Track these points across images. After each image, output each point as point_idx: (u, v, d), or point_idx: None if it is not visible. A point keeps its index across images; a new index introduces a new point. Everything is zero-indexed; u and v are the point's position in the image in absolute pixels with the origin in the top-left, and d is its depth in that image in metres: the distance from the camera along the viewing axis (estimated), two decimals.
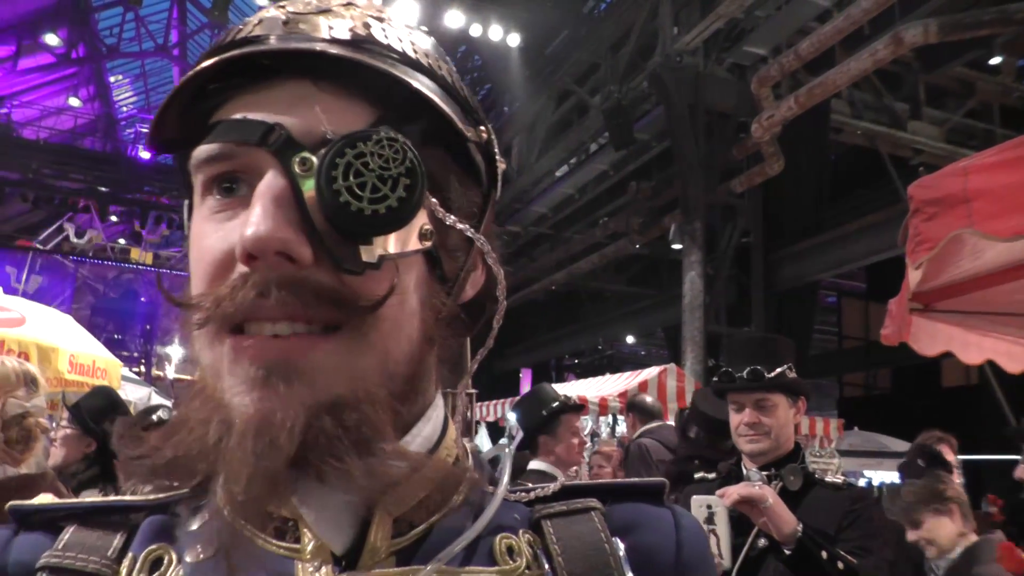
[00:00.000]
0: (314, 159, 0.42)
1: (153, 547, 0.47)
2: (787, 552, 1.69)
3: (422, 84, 0.46)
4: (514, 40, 10.37)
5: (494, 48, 10.91)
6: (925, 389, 11.50)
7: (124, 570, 0.47)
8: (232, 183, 0.44)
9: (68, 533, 0.49)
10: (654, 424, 3.97)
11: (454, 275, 0.49)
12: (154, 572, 0.46)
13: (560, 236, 13.36)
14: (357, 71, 0.44)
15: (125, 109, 22.05)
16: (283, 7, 0.48)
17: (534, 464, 2.70)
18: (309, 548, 0.45)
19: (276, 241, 0.40)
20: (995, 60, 8.39)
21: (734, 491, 1.74)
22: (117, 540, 0.48)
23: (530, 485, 0.54)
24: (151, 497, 0.50)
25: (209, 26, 17.31)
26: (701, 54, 8.89)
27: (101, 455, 2.63)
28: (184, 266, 0.49)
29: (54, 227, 16.16)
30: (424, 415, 0.49)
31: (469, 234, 0.49)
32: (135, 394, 5.63)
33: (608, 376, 7.38)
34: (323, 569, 0.44)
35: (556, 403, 2.73)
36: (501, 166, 0.54)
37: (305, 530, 0.45)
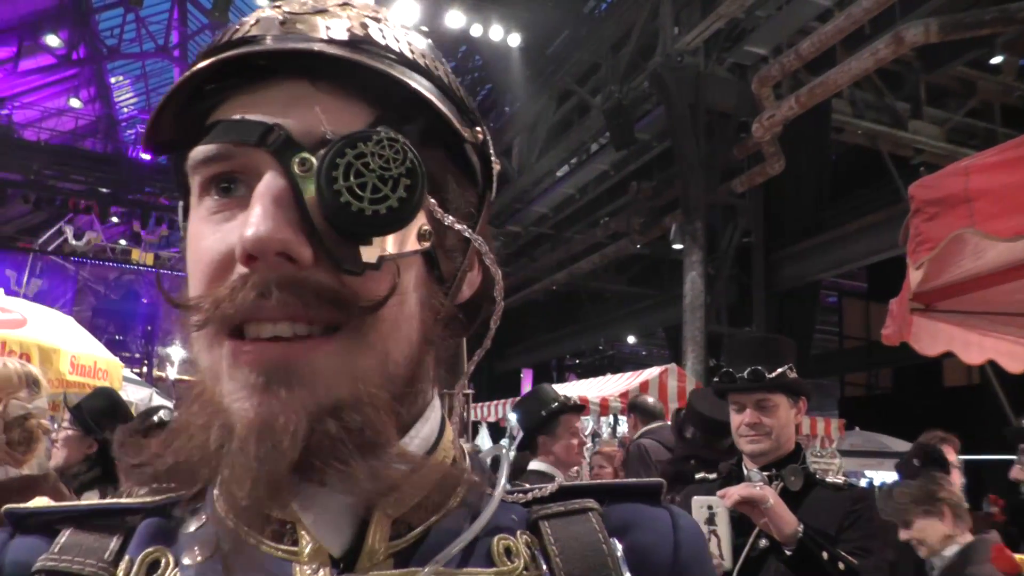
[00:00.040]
0: (313, 159, 0.42)
1: (150, 550, 0.47)
2: (788, 553, 1.69)
3: (420, 84, 0.46)
4: (515, 40, 10.37)
5: (495, 48, 10.91)
6: (926, 389, 11.48)
7: (121, 573, 0.47)
8: (230, 183, 0.44)
9: (64, 536, 0.49)
10: (655, 425, 3.97)
11: (451, 276, 0.49)
12: (151, 575, 0.46)
13: (561, 236, 13.35)
14: (355, 71, 0.44)
15: (126, 110, 22.07)
16: (279, 7, 0.47)
17: (534, 464, 2.70)
18: (307, 551, 0.45)
19: (276, 242, 0.40)
20: (996, 59, 8.38)
21: (735, 492, 1.74)
22: (114, 543, 0.48)
23: (527, 486, 0.54)
24: (147, 500, 0.49)
25: (210, 27, 17.32)
26: (702, 54, 8.88)
27: (102, 456, 2.63)
28: (183, 267, 0.49)
29: (53, 230, 16.15)
30: (422, 416, 0.49)
31: (467, 235, 0.49)
32: (136, 395, 5.63)
33: (609, 376, 7.38)
34: (321, 572, 0.44)
35: (555, 403, 2.73)
36: (496, 167, 0.54)
37: (303, 533, 0.45)
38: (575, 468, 3.09)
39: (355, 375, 0.42)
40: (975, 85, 8.91)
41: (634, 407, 4.26)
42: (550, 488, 0.53)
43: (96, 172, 15.95)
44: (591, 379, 7.87)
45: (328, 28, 0.46)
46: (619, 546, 0.49)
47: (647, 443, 3.73)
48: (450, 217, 0.47)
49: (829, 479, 1.88)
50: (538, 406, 2.76)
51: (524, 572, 0.47)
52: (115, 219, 16.35)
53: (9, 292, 4.79)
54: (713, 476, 2.04)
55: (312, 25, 0.46)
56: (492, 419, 8.41)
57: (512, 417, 6.18)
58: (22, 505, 0.51)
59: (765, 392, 1.90)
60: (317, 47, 0.44)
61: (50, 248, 16.50)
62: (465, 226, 0.48)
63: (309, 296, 0.40)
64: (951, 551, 2.30)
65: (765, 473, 1.89)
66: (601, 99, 9.95)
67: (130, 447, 0.45)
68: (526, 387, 14.88)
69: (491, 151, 0.53)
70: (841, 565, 1.67)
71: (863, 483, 7.51)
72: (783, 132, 7.69)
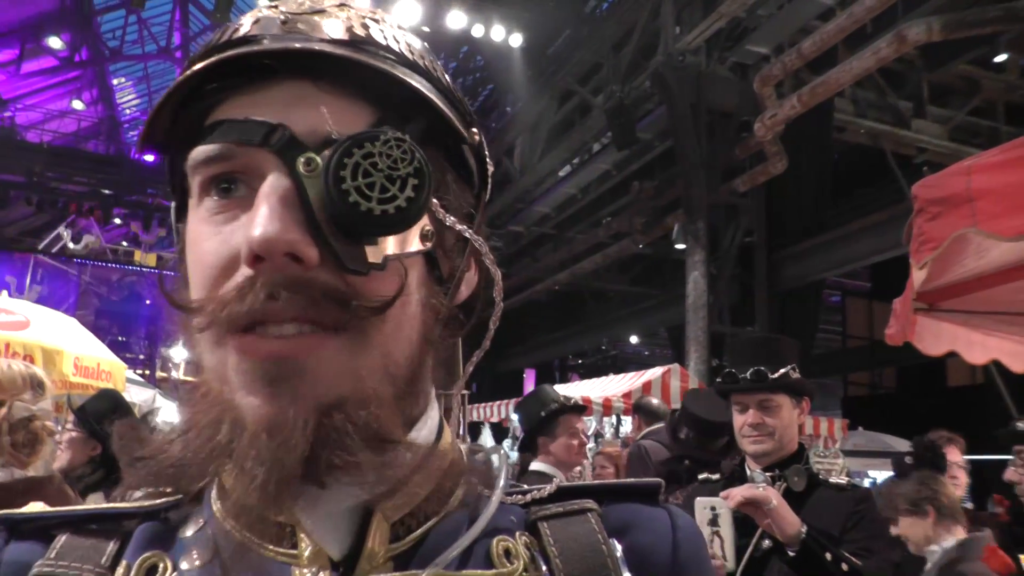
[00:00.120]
0: (319, 159, 0.41)
1: (147, 554, 0.47)
2: (791, 554, 1.69)
3: (421, 85, 0.46)
4: (516, 40, 10.37)
5: (496, 48, 10.90)
6: (930, 388, 11.46)
7: None
8: (230, 184, 0.44)
9: (60, 541, 0.48)
10: (658, 426, 3.96)
11: (450, 276, 0.49)
12: None
13: (563, 236, 13.35)
14: (357, 72, 0.44)
15: (128, 112, 22.11)
16: (276, 7, 0.47)
17: (535, 465, 2.71)
18: (307, 554, 0.44)
19: (284, 243, 0.40)
20: (1000, 57, 8.35)
21: (738, 493, 1.74)
22: (111, 547, 0.48)
23: (525, 487, 0.54)
24: (144, 504, 0.49)
25: (211, 28, 17.34)
26: (703, 53, 8.87)
27: (106, 458, 2.63)
28: (178, 267, 0.49)
29: (53, 235, 16.16)
30: (423, 417, 0.49)
31: (467, 235, 0.49)
32: (139, 396, 5.64)
33: (612, 376, 7.37)
34: (321, 575, 0.44)
35: (555, 404, 2.74)
36: (491, 168, 0.54)
37: (302, 535, 0.45)
38: (577, 468, 3.10)
39: (358, 374, 0.42)
40: (978, 83, 8.87)
41: (638, 408, 4.27)
42: (548, 489, 0.53)
43: (98, 174, 15.97)
44: (594, 379, 7.86)
45: (329, 28, 0.46)
46: (619, 547, 0.49)
47: (647, 444, 3.73)
48: (451, 218, 0.47)
49: (832, 479, 1.88)
50: (538, 407, 2.77)
51: (524, 574, 0.47)
52: (117, 220, 16.38)
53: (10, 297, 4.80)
54: (716, 477, 2.03)
55: (313, 25, 0.45)
56: (495, 419, 8.40)
57: (515, 418, 6.18)
58: (16, 510, 0.50)
59: (768, 392, 1.90)
60: (320, 47, 0.44)
61: (54, 250, 16.52)
62: (466, 227, 0.48)
63: (316, 297, 0.40)
64: (933, 550, 2.31)
65: (768, 474, 1.89)
66: (603, 99, 9.94)
67: (131, 442, 0.45)
68: (529, 387, 14.88)
69: (487, 153, 0.53)
70: (844, 566, 1.67)
71: (866, 483, 7.49)
72: (785, 131, 7.68)
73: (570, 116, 11.47)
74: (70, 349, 4.05)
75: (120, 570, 0.47)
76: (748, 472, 1.93)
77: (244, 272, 0.41)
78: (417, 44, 0.50)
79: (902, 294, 2.25)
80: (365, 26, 0.47)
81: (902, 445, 7.57)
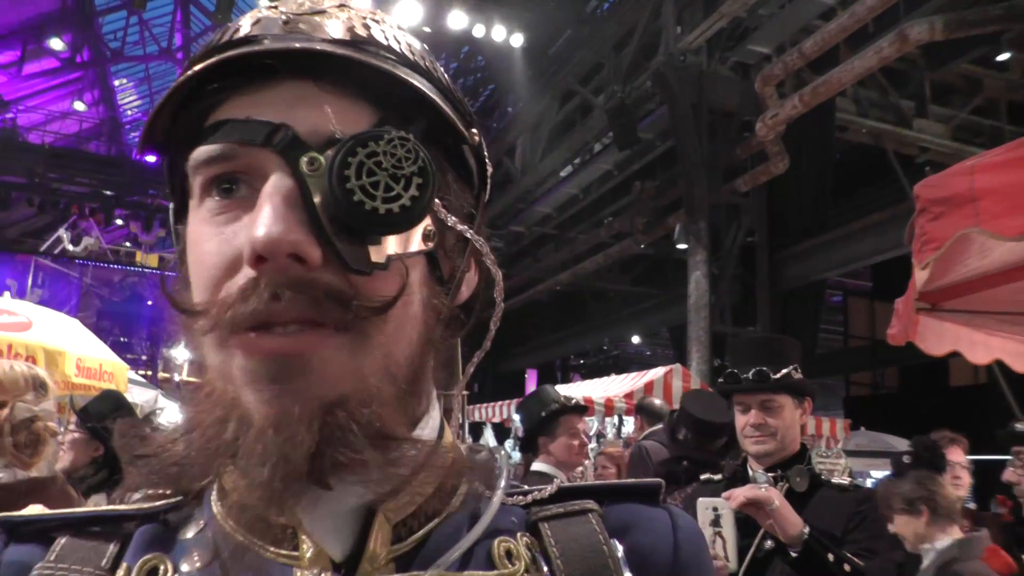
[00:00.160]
0: (322, 159, 0.41)
1: (148, 557, 0.46)
2: (793, 554, 1.69)
3: (423, 85, 0.46)
4: (517, 40, 10.37)
5: (497, 49, 10.90)
6: (933, 388, 11.43)
7: None
8: (232, 184, 0.44)
9: (60, 544, 0.48)
10: (660, 426, 3.97)
11: (451, 276, 0.49)
12: None
13: (564, 236, 13.35)
14: (359, 72, 0.44)
15: (130, 113, 22.14)
16: (275, 7, 0.47)
17: (536, 466, 2.71)
18: (308, 555, 0.44)
19: (288, 243, 0.40)
20: (1003, 56, 8.33)
21: (740, 493, 1.73)
22: (111, 550, 0.48)
23: (526, 487, 0.54)
24: (144, 506, 0.49)
25: (213, 29, 17.35)
26: (704, 53, 8.86)
27: (109, 459, 2.64)
28: (177, 268, 0.49)
29: (54, 237, 16.17)
30: (424, 417, 0.49)
31: (468, 235, 0.49)
32: (142, 397, 5.64)
33: (614, 376, 7.37)
34: None
35: (555, 404, 2.74)
36: (490, 169, 0.54)
37: (304, 537, 0.45)
38: (579, 469, 3.09)
39: (360, 372, 0.42)
40: (981, 82, 8.86)
41: (641, 409, 4.28)
42: (549, 489, 0.53)
43: (100, 175, 16.00)
44: (596, 379, 7.86)
45: (331, 28, 0.45)
46: (620, 547, 0.49)
47: (648, 444, 3.74)
48: (452, 218, 0.47)
49: (835, 480, 1.88)
50: (538, 407, 2.77)
51: (525, 574, 0.47)
52: (119, 221, 16.41)
53: None
54: (718, 477, 2.03)
55: (314, 25, 0.45)
56: (496, 420, 8.41)
57: (517, 418, 6.18)
58: (15, 513, 0.50)
59: (770, 393, 1.89)
60: (323, 47, 0.43)
61: (56, 251, 16.53)
62: (467, 227, 0.48)
63: (319, 297, 0.40)
64: (926, 548, 2.31)
65: (770, 474, 1.88)
66: (604, 99, 9.94)
67: (133, 440, 0.45)
68: (530, 387, 14.88)
69: (486, 153, 0.53)
70: (847, 567, 1.66)
71: (869, 484, 7.47)
72: (787, 131, 7.67)
73: (571, 116, 11.46)
74: (72, 350, 4.06)
75: (120, 572, 0.46)
76: (750, 473, 1.93)
77: (247, 273, 0.41)
78: (417, 45, 0.50)
79: (904, 294, 2.25)
80: (366, 26, 0.47)
81: (904, 445, 7.55)
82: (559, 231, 13.45)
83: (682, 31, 8.80)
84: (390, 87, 0.45)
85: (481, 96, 14.78)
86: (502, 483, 0.50)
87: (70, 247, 16.04)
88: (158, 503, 0.49)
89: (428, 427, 0.49)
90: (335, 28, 0.46)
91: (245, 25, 0.47)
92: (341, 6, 0.48)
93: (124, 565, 0.47)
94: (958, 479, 3.05)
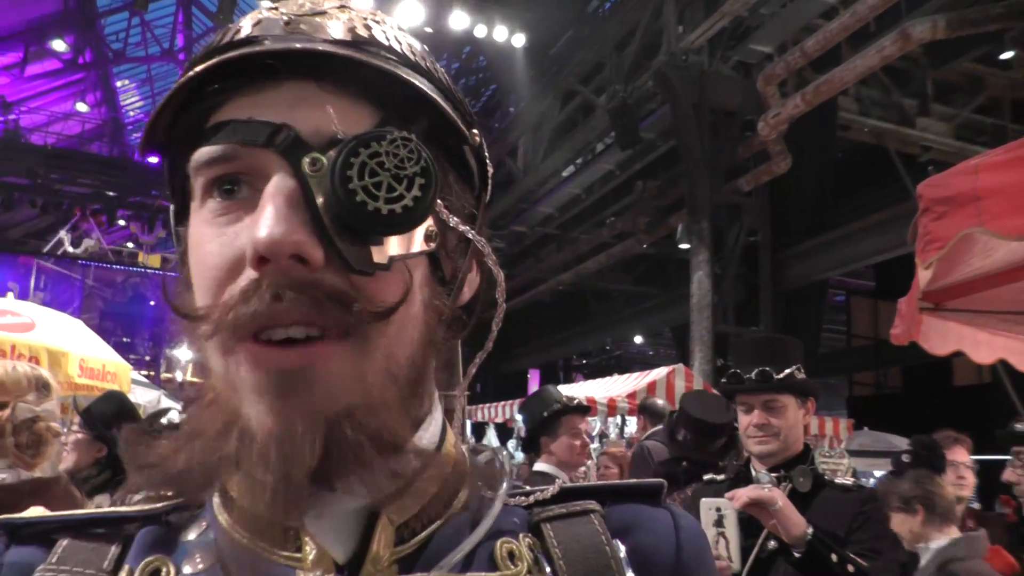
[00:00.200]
0: (324, 159, 0.41)
1: (150, 558, 0.46)
2: (797, 555, 1.68)
3: (424, 86, 0.46)
4: (519, 40, 10.37)
5: (499, 49, 10.90)
6: (936, 388, 11.40)
7: None
8: (233, 185, 0.44)
9: (62, 546, 0.48)
10: (663, 426, 3.97)
11: (452, 277, 0.49)
12: None
13: (567, 236, 13.34)
14: (360, 72, 0.44)
15: (132, 114, 22.19)
16: (276, 8, 0.47)
17: (538, 466, 2.71)
18: (311, 557, 0.44)
19: (290, 244, 0.39)
20: (1006, 55, 8.30)
21: (743, 494, 1.73)
22: (113, 551, 0.48)
23: (528, 488, 0.53)
24: (145, 507, 0.49)
25: (214, 30, 17.36)
26: (706, 52, 8.85)
27: (112, 460, 2.64)
28: (178, 269, 0.49)
29: (56, 239, 16.19)
30: (427, 419, 0.49)
31: (470, 236, 0.49)
32: (144, 397, 5.65)
33: (616, 377, 7.37)
34: None
35: (557, 404, 2.74)
36: (490, 170, 0.54)
37: (307, 539, 0.45)
38: (582, 469, 3.09)
39: (365, 379, 0.42)
40: (983, 81, 8.83)
41: (644, 409, 4.28)
42: (551, 490, 0.52)
43: (102, 176, 16.03)
44: (598, 379, 7.86)
45: (332, 29, 0.45)
46: (622, 547, 0.49)
47: (650, 444, 3.74)
48: (454, 218, 0.47)
49: (838, 480, 1.87)
50: (540, 407, 2.77)
51: (527, 575, 0.47)
52: (121, 222, 16.44)
53: None
54: (721, 478, 2.03)
55: (315, 26, 0.45)
56: (499, 420, 8.41)
57: (519, 418, 6.18)
58: (18, 515, 0.50)
59: (773, 393, 1.89)
60: (324, 47, 0.43)
61: (59, 252, 16.56)
62: (469, 227, 0.48)
63: (321, 298, 0.40)
64: (921, 547, 2.31)
65: (773, 474, 1.88)
66: (605, 99, 9.94)
67: (139, 447, 0.44)
68: (533, 388, 14.88)
69: (487, 154, 0.53)
70: (850, 567, 1.66)
71: (872, 484, 7.45)
72: (789, 130, 7.66)
73: (573, 116, 11.46)
74: (75, 351, 4.06)
75: (123, 574, 0.46)
76: (753, 473, 1.93)
77: (249, 274, 0.41)
78: (418, 45, 0.50)
79: (907, 294, 2.24)
80: (367, 27, 0.47)
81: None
82: (561, 231, 13.45)
83: (684, 30, 8.80)
84: (391, 87, 0.44)
85: (483, 96, 14.78)
86: (504, 484, 0.50)
87: (70, 248, 16.07)
88: (160, 504, 0.49)
89: (430, 428, 0.49)
90: (336, 29, 0.46)
91: (246, 26, 0.47)
92: (342, 7, 0.48)
93: (126, 567, 0.47)
94: (962, 479, 3.04)
